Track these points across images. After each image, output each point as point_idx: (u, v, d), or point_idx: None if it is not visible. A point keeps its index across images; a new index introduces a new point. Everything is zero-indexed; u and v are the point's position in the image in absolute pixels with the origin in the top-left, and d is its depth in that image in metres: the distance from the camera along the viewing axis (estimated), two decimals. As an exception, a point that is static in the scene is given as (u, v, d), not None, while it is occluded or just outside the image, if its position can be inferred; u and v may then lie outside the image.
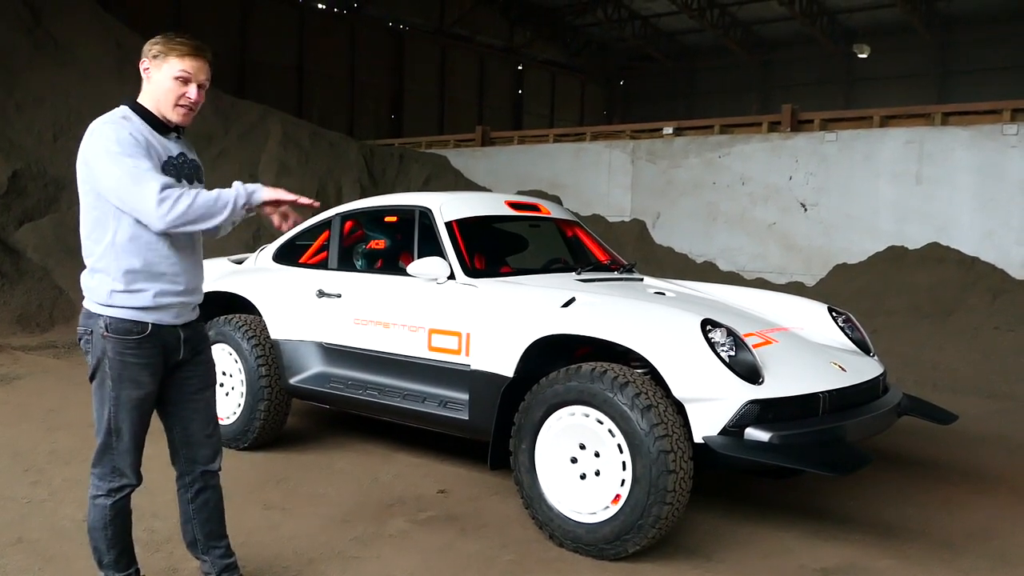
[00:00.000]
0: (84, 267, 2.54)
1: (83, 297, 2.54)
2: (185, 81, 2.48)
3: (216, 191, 2.42)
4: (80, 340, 2.55)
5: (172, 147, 2.55)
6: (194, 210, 2.38)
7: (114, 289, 2.47)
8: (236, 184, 2.45)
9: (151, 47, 2.50)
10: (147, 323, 2.49)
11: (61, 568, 3.12)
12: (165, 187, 2.37)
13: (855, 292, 8.87)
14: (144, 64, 2.52)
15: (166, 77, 2.48)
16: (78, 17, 11.95)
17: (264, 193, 2.45)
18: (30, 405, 5.62)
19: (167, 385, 2.62)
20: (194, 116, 2.56)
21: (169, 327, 2.55)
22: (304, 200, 2.46)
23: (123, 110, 2.52)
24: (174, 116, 2.52)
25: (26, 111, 10.49)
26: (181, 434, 2.68)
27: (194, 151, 2.69)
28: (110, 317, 2.48)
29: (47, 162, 10.05)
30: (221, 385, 4.74)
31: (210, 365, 2.76)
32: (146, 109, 2.52)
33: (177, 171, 2.53)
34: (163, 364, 2.56)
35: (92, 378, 2.54)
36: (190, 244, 2.59)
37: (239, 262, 5.34)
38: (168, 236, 2.48)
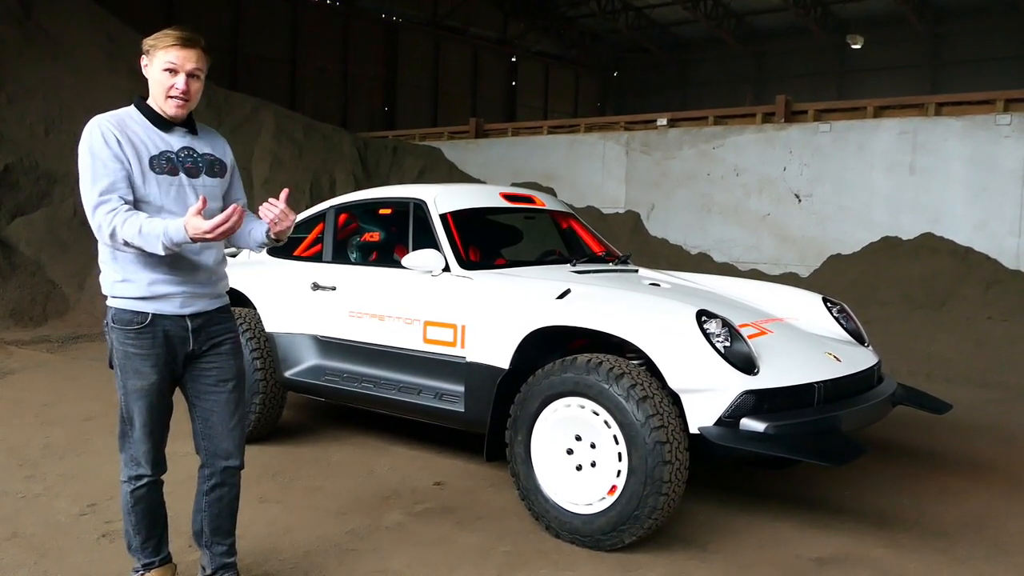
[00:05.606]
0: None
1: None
2: (173, 72, 2.47)
3: (156, 222, 2.35)
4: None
5: (174, 141, 2.54)
6: (126, 227, 2.33)
7: (114, 280, 2.50)
8: (167, 224, 2.35)
9: (144, 44, 2.51)
10: (147, 313, 2.49)
11: (56, 562, 3.11)
12: (105, 192, 2.37)
13: (849, 283, 8.89)
14: (143, 61, 2.53)
15: (157, 70, 2.48)
16: (69, 9, 11.87)
17: (178, 234, 2.32)
18: (24, 400, 5.61)
19: (187, 377, 2.62)
20: (190, 107, 2.54)
21: (174, 317, 2.53)
22: (221, 226, 2.29)
23: (128, 107, 2.54)
24: (168, 108, 2.51)
25: (17, 104, 10.42)
26: (202, 426, 2.68)
27: (215, 145, 2.66)
28: (114, 308, 2.51)
29: (39, 155, 9.97)
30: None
31: (231, 357, 2.69)
32: (148, 106, 2.53)
33: (173, 164, 2.52)
34: (169, 355, 2.54)
35: (111, 367, 2.57)
36: None
37: (233, 255, 5.32)
38: None
